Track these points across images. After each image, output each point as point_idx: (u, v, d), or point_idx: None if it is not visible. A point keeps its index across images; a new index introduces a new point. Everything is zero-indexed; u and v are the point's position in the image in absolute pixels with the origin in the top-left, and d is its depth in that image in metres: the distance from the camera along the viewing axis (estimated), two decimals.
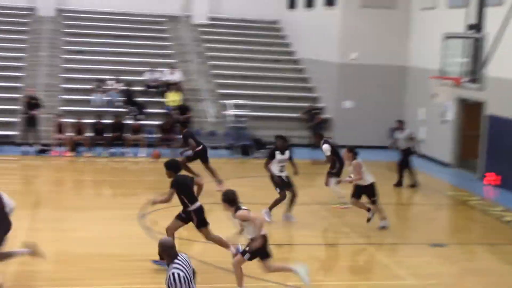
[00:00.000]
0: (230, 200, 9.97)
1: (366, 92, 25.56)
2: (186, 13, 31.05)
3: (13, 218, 14.02)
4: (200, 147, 17.36)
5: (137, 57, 27.70)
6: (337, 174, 16.10)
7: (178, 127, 18.32)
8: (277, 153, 14.49)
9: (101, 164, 21.31)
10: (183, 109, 24.31)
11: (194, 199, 11.31)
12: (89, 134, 22.53)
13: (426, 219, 16.06)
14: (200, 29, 30.46)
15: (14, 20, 28.86)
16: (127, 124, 23.10)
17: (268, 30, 31.40)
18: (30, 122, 22.24)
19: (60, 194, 17.36)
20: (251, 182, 15.07)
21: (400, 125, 19.42)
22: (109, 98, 24.76)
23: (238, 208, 9.95)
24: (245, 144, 22.85)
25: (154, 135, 23.26)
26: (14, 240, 12.39)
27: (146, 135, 23.04)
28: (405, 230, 15.38)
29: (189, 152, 17.62)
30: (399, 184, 19.07)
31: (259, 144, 22.72)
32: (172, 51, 28.73)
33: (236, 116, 24.48)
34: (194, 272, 7.68)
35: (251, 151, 22.68)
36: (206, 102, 25.95)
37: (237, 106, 24.95)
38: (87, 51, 27.70)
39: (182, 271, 7.22)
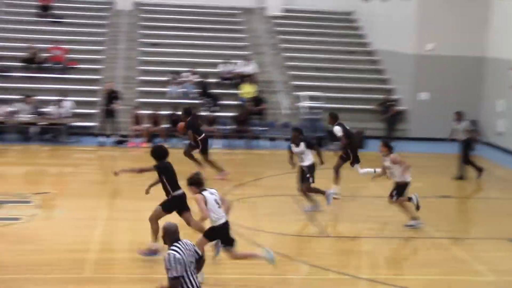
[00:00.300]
0: (197, 183, 9.87)
1: (442, 83, 25.06)
2: (260, 5, 31.11)
3: (91, 208, 14.49)
4: (202, 136, 17.22)
5: (212, 49, 27.91)
6: (355, 159, 15.74)
7: (181, 116, 18.11)
8: (292, 145, 14.53)
9: (177, 155, 21.55)
10: (257, 100, 24.41)
11: (177, 186, 11.20)
12: (165, 125, 22.89)
13: (506, 214, 15.64)
14: (274, 21, 30.47)
15: (93, 14, 29.52)
16: (202, 115, 23.34)
17: (342, 21, 31.12)
18: (109, 114, 22.75)
19: (136, 184, 17.59)
20: (324, 174, 15.00)
21: (459, 116, 18.98)
22: (185, 90, 25.06)
23: (202, 192, 9.83)
24: (319, 136, 22.76)
25: (229, 127, 23.42)
26: (93, 230, 12.77)
27: (220, 127, 23.22)
28: (484, 225, 14.99)
29: (192, 143, 17.42)
30: (460, 177, 18.60)
31: (333, 136, 22.59)
32: (246, 43, 28.84)
33: (310, 107, 24.41)
34: (201, 258, 7.89)
35: (324, 143, 22.56)
36: (280, 94, 25.97)
37: (311, 98, 24.87)
38: (163, 44, 28.10)
39: (179, 253, 7.37)
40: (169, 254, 7.35)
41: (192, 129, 17.21)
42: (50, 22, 28.38)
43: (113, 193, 16.33)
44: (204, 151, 17.25)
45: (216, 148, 22.01)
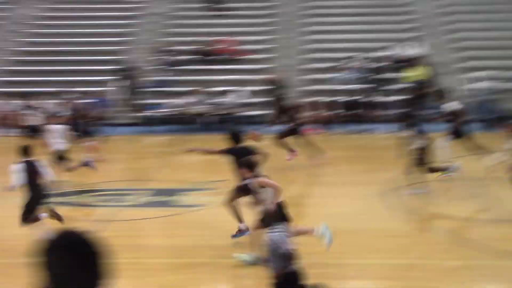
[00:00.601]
0: (250, 165, 9.97)
1: None
2: None
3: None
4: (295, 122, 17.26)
5: (378, 33, 27.67)
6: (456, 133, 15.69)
7: (274, 101, 18.14)
8: (403, 129, 14.71)
9: (349, 141, 21.73)
10: (425, 84, 23.98)
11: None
12: (335, 111, 23.11)
13: None
14: (441, 2, 29.67)
15: (260, 5, 30.13)
16: (371, 100, 23.33)
17: None
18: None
19: (312, 170, 17.88)
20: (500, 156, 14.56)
21: None
22: (353, 75, 25.07)
23: (256, 175, 9.95)
24: (493, 117, 21.99)
25: (397, 111, 23.19)
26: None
27: (389, 111, 23.07)
28: None
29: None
30: None
31: (503, 118, 21.77)
32: (414, 25, 28.33)
33: (483, 89, 23.62)
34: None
35: (496, 124, 21.78)
36: (449, 76, 25.33)
37: (482, 79, 24.04)
38: (331, 31, 28.22)
39: (281, 232, 7.36)
40: (272, 235, 7.36)
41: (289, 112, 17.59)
42: (219, 15, 29.40)
43: (288, 179, 16.74)
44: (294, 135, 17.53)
45: (386, 132, 21.91)
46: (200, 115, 23.36)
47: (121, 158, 20.46)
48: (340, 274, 9.93)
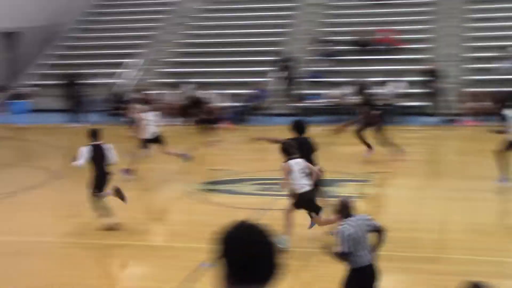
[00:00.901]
0: (286, 151, 10.43)
1: None
2: None
3: (421, 187, 14.80)
4: (378, 112, 16.66)
5: None
6: None
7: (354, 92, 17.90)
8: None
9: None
10: None
11: (311, 163, 10.92)
12: (495, 102, 22.27)
13: None
14: None
15: None
16: None
17: None
18: (432, 93, 22.85)
19: (465, 163, 17.48)
20: None
21: None
22: None
23: (289, 160, 10.37)
24: None
25: None
26: (425, 209, 13.03)
27: None
28: None
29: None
30: None
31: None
32: None
33: None
34: (380, 230, 7.59)
35: None
36: None
37: None
38: (494, 18, 27.18)
39: (351, 229, 7.30)
40: (340, 231, 7.42)
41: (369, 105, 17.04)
42: (377, 4, 29.15)
43: (441, 172, 16.44)
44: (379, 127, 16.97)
45: None
46: (354, 106, 23.29)
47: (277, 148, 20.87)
48: (499, 272, 9.67)
